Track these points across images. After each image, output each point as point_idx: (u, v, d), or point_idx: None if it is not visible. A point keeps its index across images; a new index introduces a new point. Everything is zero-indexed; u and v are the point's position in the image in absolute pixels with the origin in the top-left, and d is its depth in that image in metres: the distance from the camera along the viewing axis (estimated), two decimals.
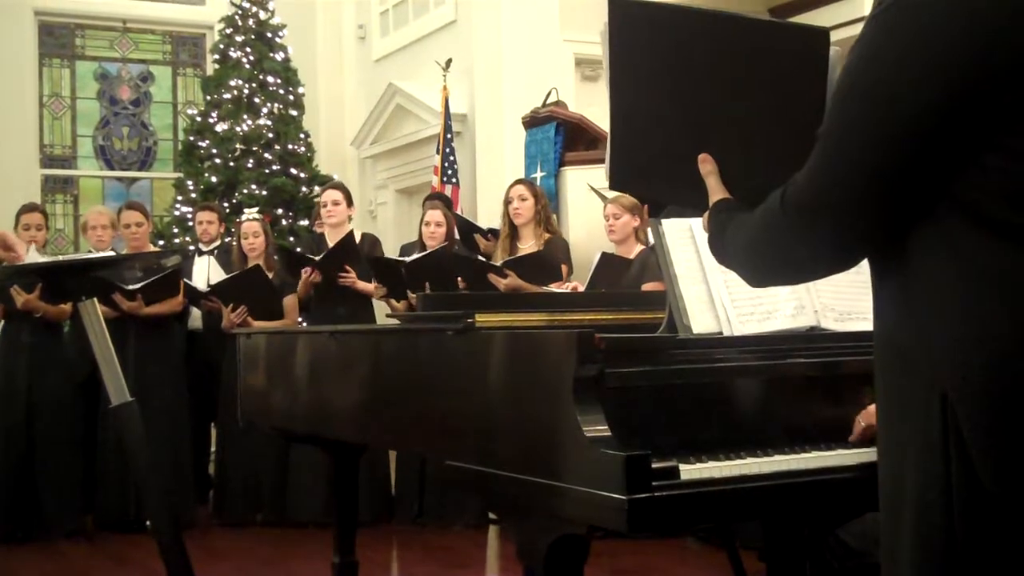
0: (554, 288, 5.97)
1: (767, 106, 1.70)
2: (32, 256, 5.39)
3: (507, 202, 6.59)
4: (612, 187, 1.98)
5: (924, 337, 1.45)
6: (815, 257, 1.58)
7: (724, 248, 1.71)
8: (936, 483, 1.43)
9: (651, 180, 1.92)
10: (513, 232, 6.58)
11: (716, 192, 1.75)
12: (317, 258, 6.70)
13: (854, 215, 1.47)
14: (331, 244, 6.80)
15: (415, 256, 6.50)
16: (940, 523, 1.43)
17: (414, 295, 6.27)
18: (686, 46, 1.74)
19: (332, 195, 6.92)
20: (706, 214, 1.77)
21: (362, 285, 6.67)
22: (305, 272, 6.66)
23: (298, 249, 7.71)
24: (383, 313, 7.04)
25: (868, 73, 1.45)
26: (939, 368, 1.43)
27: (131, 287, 6.37)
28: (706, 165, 1.76)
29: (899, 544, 1.50)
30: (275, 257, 6.95)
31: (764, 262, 1.65)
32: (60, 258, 7.33)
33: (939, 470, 1.42)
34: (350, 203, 7.00)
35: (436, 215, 6.76)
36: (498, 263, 6.34)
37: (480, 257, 6.96)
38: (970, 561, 1.42)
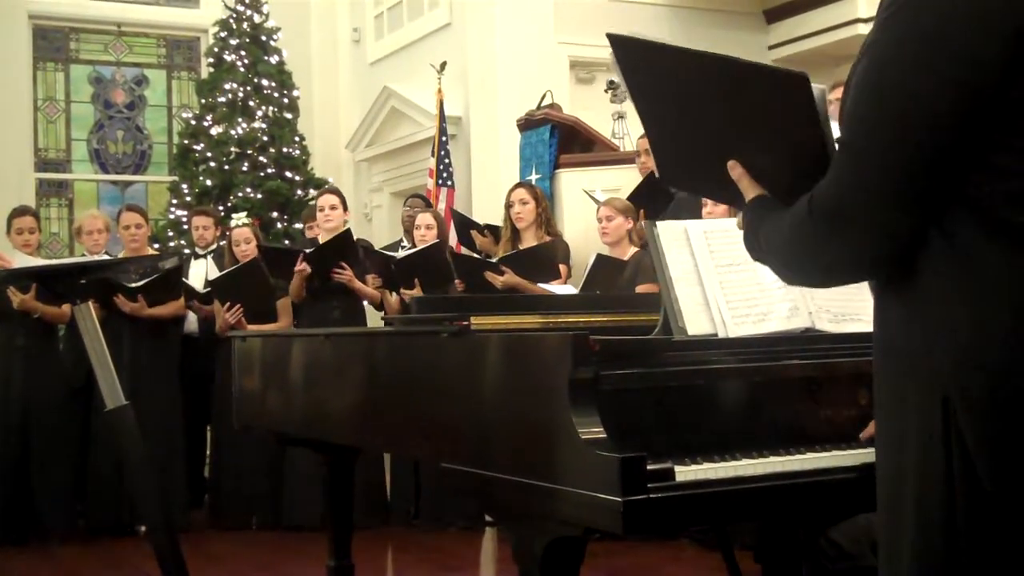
0: (553, 286, 5.98)
1: (763, 136, 1.72)
2: (23, 261, 5.38)
3: (508, 206, 6.60)
4: (663, 185, 2.03)
5: (927, 339, 1.46)
6: (845, 262, 1.57)
7: (759, 246, 1.70)
8: (938, 482, 1.43)
9: (693, 180, 1.98)
10: (514, 235, 6.59)
11: (750, 190, 1.73)
12: (306, 251, 6.67)
13: (880, 218, 1.47)
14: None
15: (405, 253, 6.52)
16: (941, 521, 1.43)
17: (406, 292, 6.29)
18: (680, 80, 1.78)
19: (329, 199, 6.93)
20: (740, 214, 1.76)
21: (358, 285, 6.66)
22: (298, 267, 6.60)
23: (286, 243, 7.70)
24: (374, 316, 7.04)
25: (883, 77, 1.46)
26: (942, 371, 1.43)
27: (132, 285, 6.37)
28: (735, 170, 1.75)
29: (900, 542, 1.50)
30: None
31: (798, 268, 1.65)
32: (55, 261, 7.33)
33: (940, 470, 1.43)
34: (346, 207, 7.02)
35: (427, 218, 6.79)
36: None
37: (475, 255, 6.97)
38: (971, 559, 1.43)
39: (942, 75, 1.40)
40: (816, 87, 1.62)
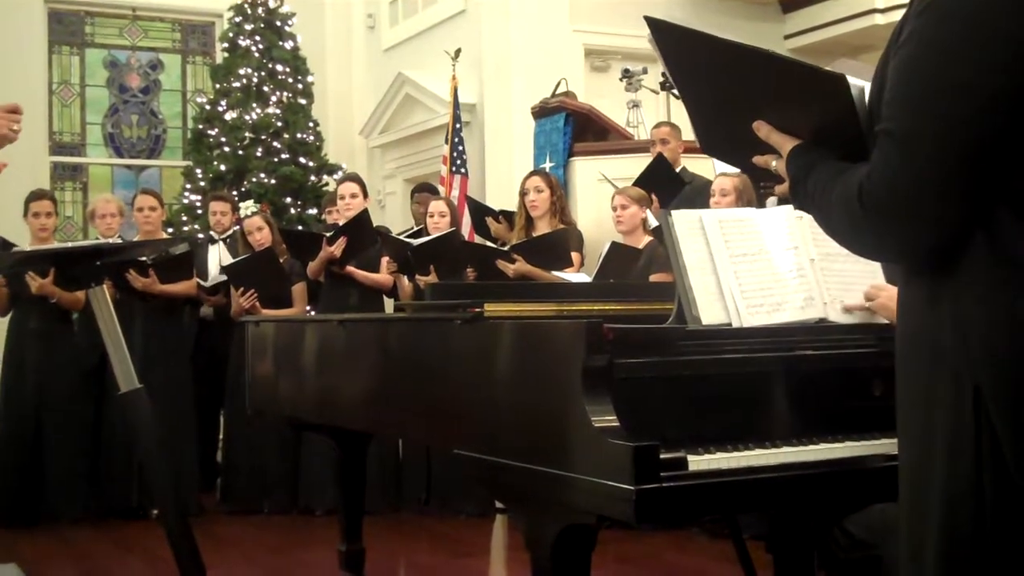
0: (566, 274, 5.97)
1: (799, 124, 1.72)
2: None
3: (523, 193, 6.59)
4: (704, 152, 2.03)
5: (958, 329, 1.44)
6: (895, 250, 1.57)
7: (806, 197, 1.66)
8: (966, 475, 1.42)
9: (731, 151, 1.98)
10: (529, 223, 6.59)
11: (786, 142, 1.71)
12: (327, 234, 6.67)
13: (936, 209, 1.45)
14: None
15: (423, 239, 6.52)
16: (970, 515, 1.42)
17: (422, 278, 6.29)
18: (715, 66, 1.81)
19: (350, 188, 6.94)
20: (782, 161, 1.73)
21: (354, 270, 6.67)
22: (332, 248, 6.58)
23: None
24: (391, 303, 7.05)
25: (927, 64, 1.44)
26: (972, 360, 1.42)
27: (143, 258, 6.39)
28: (762, 128, 1.73)
29: (924, 535, 1.49)
30: (283, 244, 6.94)
31: (843, 242, 1.63)
32: (70, 244, 7.34)
33: (969, 462, 1.42)
34: (366, 195, 7.04)
35: (439, 205, 6.79)
36: None
37: (489, 243, 6.97)
38: (1000, 554, 1.41)
39: (987, 60, 1.39)
40: (855, 85, 1.61)
